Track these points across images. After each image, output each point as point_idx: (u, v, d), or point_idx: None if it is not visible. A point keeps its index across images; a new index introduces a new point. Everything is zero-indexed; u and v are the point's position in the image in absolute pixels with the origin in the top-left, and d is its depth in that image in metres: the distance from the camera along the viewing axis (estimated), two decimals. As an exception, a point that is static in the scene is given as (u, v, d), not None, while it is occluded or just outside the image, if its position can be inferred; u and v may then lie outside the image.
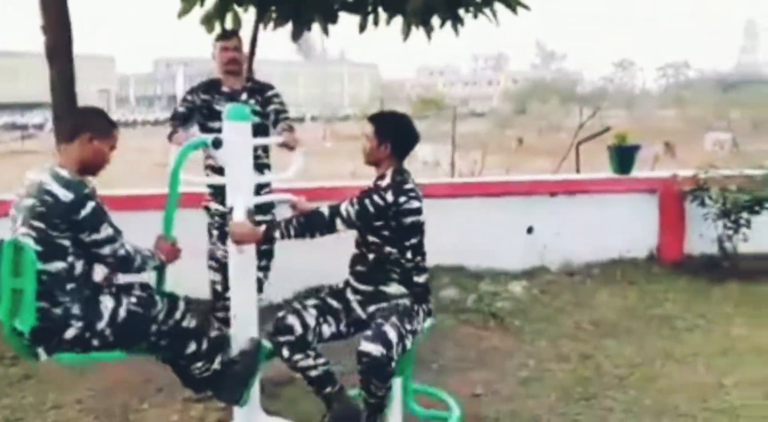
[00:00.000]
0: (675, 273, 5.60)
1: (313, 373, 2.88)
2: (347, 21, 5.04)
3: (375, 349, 2.66)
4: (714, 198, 5.51)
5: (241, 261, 2.91)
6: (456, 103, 31.08)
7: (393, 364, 2.71)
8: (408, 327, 2.82)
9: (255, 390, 3.01)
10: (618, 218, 5.77)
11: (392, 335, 2.72)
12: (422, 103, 36.08)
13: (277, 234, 2.78)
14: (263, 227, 2.84)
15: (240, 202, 2.87)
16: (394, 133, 2.89)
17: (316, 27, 5.07)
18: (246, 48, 4.88)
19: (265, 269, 3.98)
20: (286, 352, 2.85)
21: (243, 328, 2.95)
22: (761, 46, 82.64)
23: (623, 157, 6.00)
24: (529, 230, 5.79)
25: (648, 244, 5.88)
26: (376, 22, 5.02)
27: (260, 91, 4.02)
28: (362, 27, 5.03)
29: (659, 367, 3.99)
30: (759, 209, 5.42)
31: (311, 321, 2.89)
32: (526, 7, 4.84)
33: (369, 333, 2.73)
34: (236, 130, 2.92)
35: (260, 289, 3.87)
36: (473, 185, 6.29)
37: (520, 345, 4.36)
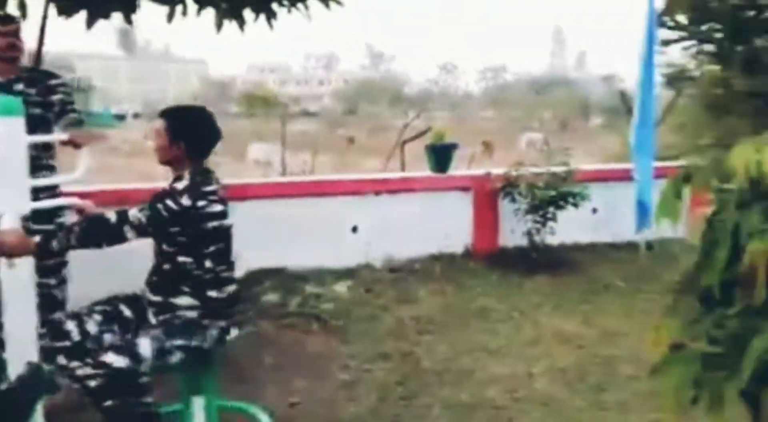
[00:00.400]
0: (490, 267, 5.81)
1: (92, 383, 2.60)
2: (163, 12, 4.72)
3: (119, 361, 2.44)
4: (523, 194, 5.79)
5: (15, 276, 2.55)
6: (288, 101, 30.81)
7: (140, 380, 2.50)
8: (178, 342, 2.59)
9: (38, 419, 2.67)
10: (436, 215, 5.91)
11: (146, 348, 2.51)
12: (251, 100, 35.25)
13: (54, 244, 2.45)
14: (37, 237, 2.50)
15: (10, 208, 2.50)
16: (188, 131, 2.65)
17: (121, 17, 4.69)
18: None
19: (61, 284, 3.59)
20: (62, 360, 2.55)
21: (20, 352, 2.59)
22: (568, 51, 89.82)
23: (440, 155, 6.14)
24: (354, 229, 5.76)
25: (464, 240, 6.07)
26: (184, 13, 4.73)
27: (41, 80, 3.59)
28: (170, 17, 4.71)
29: (475, 360, 4.08)
30: (563, 204, 5.77)
31: (92, 328, 2.61)
32: (339, 2, 4.79)
33: (118, 343, 2.52)
34: (5, 126, 2.55)
35: (62, 307, 3.50)
36: (300, 184, 6.17)
37: (342, 346, 4.28)
